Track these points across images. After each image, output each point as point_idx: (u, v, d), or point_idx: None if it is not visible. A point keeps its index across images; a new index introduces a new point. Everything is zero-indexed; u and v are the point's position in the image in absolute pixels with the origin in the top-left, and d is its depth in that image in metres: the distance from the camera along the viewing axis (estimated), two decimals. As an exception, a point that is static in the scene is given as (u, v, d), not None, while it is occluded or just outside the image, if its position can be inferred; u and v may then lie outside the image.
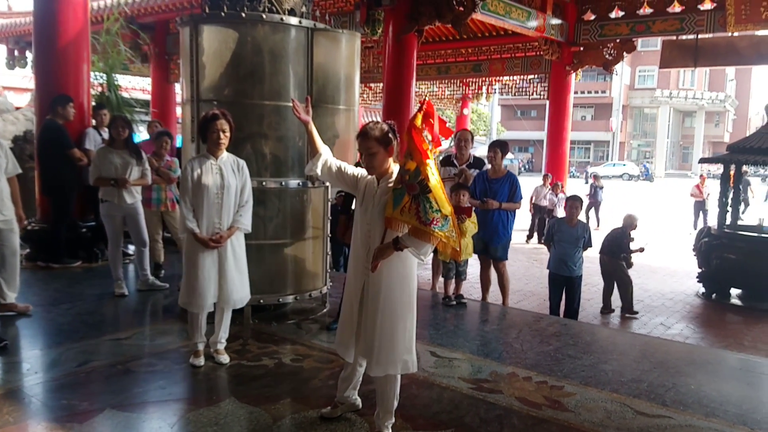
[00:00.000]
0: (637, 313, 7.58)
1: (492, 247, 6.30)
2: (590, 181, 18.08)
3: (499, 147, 6.35)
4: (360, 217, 3.23)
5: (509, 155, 7.33)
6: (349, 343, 3.30)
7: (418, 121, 3.02)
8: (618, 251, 7.67)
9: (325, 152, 3.35)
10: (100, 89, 8.88)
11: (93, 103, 7.96)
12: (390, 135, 3.11)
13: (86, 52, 7.55)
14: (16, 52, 16.48)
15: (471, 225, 5.84)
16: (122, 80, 10.17)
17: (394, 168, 3.15)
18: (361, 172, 3.26)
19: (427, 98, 3.18)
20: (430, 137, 3.04)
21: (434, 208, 2.91)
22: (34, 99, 8.02)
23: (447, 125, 3.26)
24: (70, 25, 7.27)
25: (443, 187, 3.04)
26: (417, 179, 2.92)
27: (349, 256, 3.39)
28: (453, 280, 6.09)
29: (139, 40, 10.66)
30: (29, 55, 15.32)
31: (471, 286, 7.17)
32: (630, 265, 7.79)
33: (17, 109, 11.74)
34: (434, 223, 2.91)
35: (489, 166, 6.44)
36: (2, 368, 4.19)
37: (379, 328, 3.11)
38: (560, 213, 12.07)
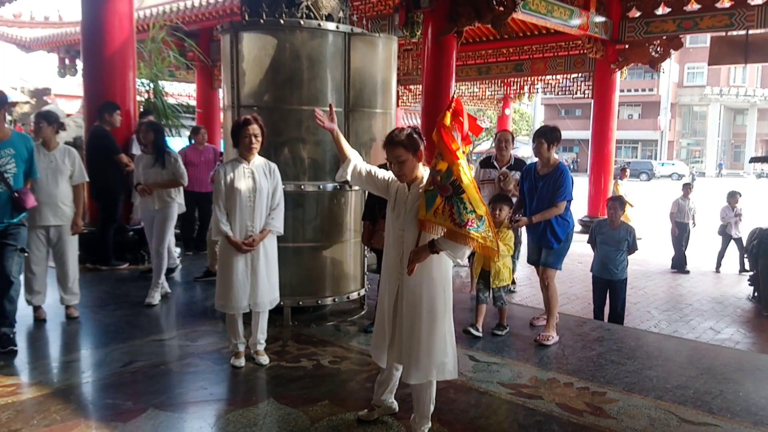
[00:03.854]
0: None
1: (544, 250, 5.24)
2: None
3: (543, 136, 5.18)
4: (392, 222, 3.21)
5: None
6: (382, 347, 3.29)
7: (447, 120, 2.96)
8: None
9: (354, 157, 3.33)
10: (146, 96, 9.12)
11: (140, 110, 8.18)
12: (417, 139, 3.06)
13: (132, 60, 7.77)
14: (66, 61, 17.03)
15: (504, 248, 5.08)
16: (168, 87, 10.40)
17: (424, 172, 3.12)
18: (392, 175, 3.23)
19: (455, 95, 3.09)
20: (459, 136, 2.99)
21: (468, 209, 2.87)
22: (83, 106, 8.27)
23: (477, 122, 3.18)
24: (116, 34, 7.50)
25: (477, 187, 2.99)
26: (449, 180, 2.88)
27: (381, 260, 3.37)
28: (484, 306, 5.22)
29: (185, 47, 10.89)
30: (79, 64, 15.81)
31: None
32: None
33: (68, 116, 12.14)
34: (469, 224, 2.87)
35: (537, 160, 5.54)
36: (52, 368, 4.35)
37: (416, 334, 3.09)
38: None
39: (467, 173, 2.91)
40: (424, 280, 3.09)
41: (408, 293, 3.11)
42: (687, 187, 10.60)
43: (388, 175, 3.27)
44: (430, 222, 2.94)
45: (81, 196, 5.36)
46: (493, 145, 6.50)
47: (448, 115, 2.98)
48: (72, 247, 5.37)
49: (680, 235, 10.25)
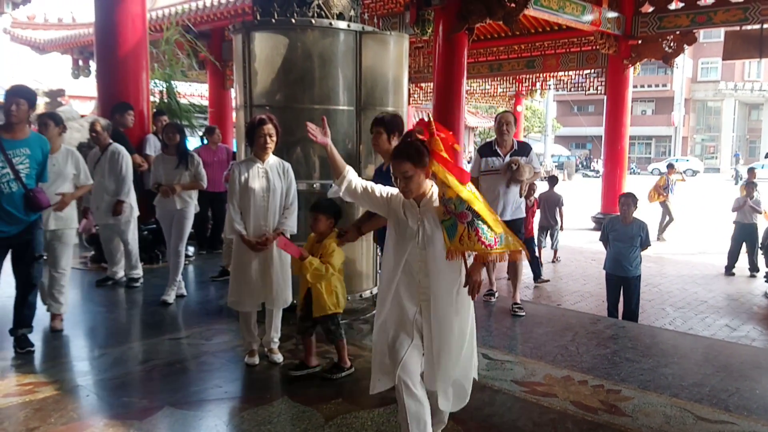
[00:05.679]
0: None
1: None
2: None
3: (382, 124, 4.20)
4: (398, 241, 2.96)
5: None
6: (387, 376, 2.99)
7: (439, 147, 2.81)
8: None
9: (349, 173, 3.06)
10: (159, 96, 9.17)
11: (153, 110, 8.23)
12: (425, 152, 2.84)
13: (145, 61, 7.83)
14: (80, 62, 17.16)
15: (337, 254, 4.03)
16: (180, 87, 10.46)
17: (432, 188, 2.94)
18: (391, 191, 3.01)
19: (430, 119, 2.89)
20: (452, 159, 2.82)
21: (490, 232, 2.84)
22: (97, 107, 8.34)
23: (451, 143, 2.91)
24: (129, 35, 7.56)
25: (488, 206, 2.89)
26: (464, 207, 2.79)
27: (380, 281, 3.13)
28: (309, 339, 4.18)
29: (196, 47, 10.95)
30: (92, 65, 15.92)
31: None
32: None
33: (82, 116, 12.23)
34: (496, 243, 2.84)
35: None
36: (68, 367, 4.40)
37: (452, 359, 2.94)
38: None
39: (478, 197, 2.84)
40: (453, 301, 2.93)
41: (438, 317, 2.91)
42: (750, 187, 9.97)
43: (386, 191, 3.03)
44: (458, 250, 2.84)
45: (80, 194, 5.24)
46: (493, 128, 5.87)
47: (437, 141, 2.82)
48: (68, 252, 5.18)
49: (739, 236, 9.70)
